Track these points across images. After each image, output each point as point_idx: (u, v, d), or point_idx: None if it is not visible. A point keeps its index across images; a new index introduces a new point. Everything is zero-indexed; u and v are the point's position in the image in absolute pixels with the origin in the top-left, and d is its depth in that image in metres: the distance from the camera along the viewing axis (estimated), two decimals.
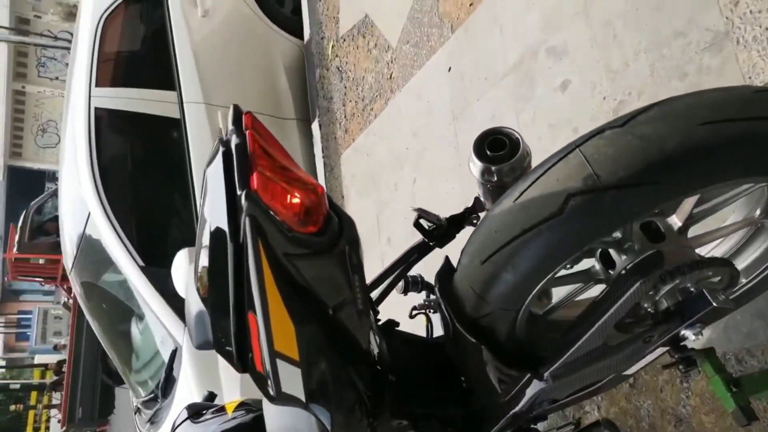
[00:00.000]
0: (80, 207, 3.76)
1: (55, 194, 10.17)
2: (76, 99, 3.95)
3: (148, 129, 3.96)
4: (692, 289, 1.16)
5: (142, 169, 3.88)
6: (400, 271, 1.52)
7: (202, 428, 1.48)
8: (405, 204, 3.24)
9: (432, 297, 1.45)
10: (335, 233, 0.94)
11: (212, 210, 0.88)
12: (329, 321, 0.94)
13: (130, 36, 4.36)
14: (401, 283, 1.50)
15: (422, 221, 1.38)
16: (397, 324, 1.49)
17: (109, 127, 3.89)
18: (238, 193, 0.83)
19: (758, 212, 1.33)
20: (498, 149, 1.26)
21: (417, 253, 1.42)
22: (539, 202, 1.01)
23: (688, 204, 1.19)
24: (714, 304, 1.11)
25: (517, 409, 1.32)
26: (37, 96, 16.58)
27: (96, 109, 3.86)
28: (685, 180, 0.96)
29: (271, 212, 0.81)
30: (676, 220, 1.22)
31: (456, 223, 1.42)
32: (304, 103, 4.68)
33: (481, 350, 1.18)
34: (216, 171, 0.87)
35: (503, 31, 2.63)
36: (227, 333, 0.87)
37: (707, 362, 1.22)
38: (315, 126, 4.47)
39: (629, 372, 1.27)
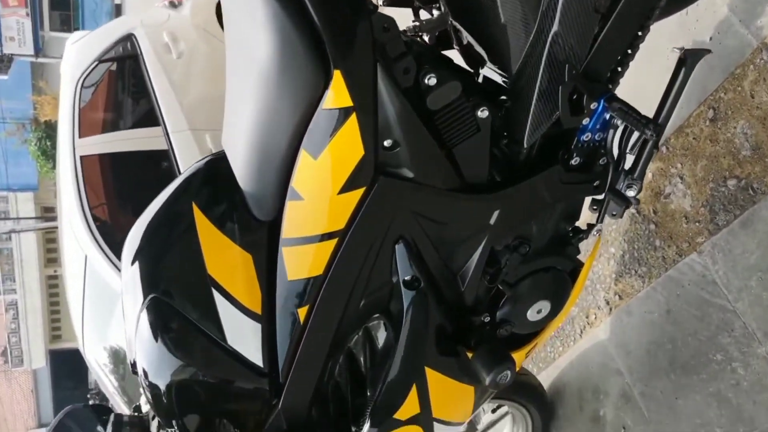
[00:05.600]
0: (78, 256, 3.62)
1: None
2: (63, 158, 4.10)
3: (137, 165, 3.89)
4: None
5: (134, 201, 3.78)
6: None
7: None
8: None
9: None
10: None
11: None
12: None
13: (108, 89, 4.56)
14: None
15: None
16: None
17: (96, 170, 3.98)
18: None
19: None
20: None
21: None
22: None
23: None
24: None
25: None
26: None
27: (81, 157, 3.98)
28: None
29: None
30: None
31: None
32: None
33: None
34: None
35: None
36: None
37: None
38: None
39: None
